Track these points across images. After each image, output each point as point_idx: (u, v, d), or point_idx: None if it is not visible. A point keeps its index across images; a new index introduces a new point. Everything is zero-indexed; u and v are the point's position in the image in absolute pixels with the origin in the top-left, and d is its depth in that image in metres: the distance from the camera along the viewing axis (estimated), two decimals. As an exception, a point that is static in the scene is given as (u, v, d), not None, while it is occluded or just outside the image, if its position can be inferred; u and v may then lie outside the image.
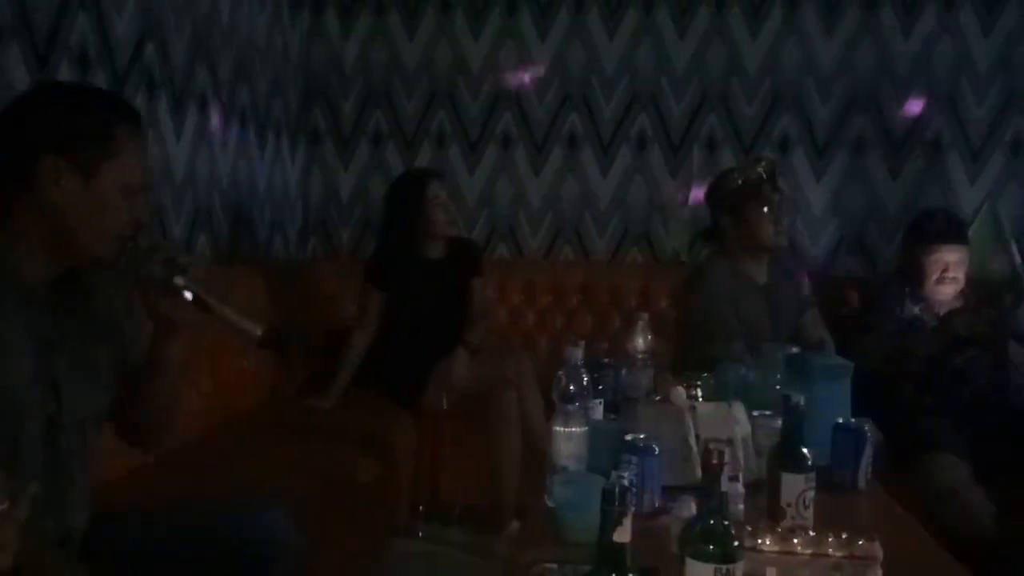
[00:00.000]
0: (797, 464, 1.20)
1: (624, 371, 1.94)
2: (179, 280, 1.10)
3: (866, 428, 1.45)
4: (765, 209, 2.20)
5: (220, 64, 2.64)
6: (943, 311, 2.39)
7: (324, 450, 2.16)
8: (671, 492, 1.35)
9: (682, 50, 3.07)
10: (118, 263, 1.13)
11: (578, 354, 1.48)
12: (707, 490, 0.91)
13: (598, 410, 1.71)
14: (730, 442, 1.39)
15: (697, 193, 2.87)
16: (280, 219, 3.13)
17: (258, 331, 1.13)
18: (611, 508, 0.80)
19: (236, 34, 2.74)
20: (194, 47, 2.48)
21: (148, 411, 1.25)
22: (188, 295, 1.10)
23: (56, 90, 1.21)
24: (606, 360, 1.96)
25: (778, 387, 1.64)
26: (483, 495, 2.38)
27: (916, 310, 2.42)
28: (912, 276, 2.45)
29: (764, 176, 2.22)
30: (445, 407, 2.39)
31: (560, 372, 1.46)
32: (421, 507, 2.52)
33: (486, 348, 2.57)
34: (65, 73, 1.94)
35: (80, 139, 1.09)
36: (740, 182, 2.23)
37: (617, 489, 0.80)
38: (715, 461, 0.88)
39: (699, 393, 1.69)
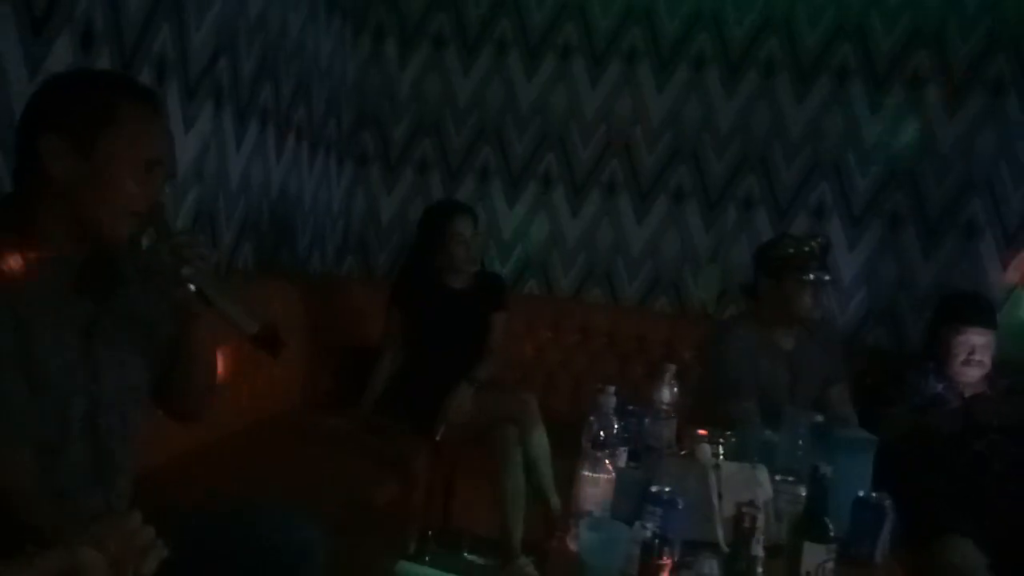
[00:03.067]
0: (820, 535, 1.23)
1: (647, 420, 1.98)
2: (185, 271, 1.13)
3: (886, 504, 1.47)
4: (806, 285, 2.22)
5: (283, 81, 2.75)
6: (967, 392, 2.40)
7: (344, 467, 2.20)
8: (689, 547, 1.38)
9: (728, 109, 3.14)
10: (131, 251, 1.15)
11: (611, 402, 1.52)
12: (736, 552, 0.94)
13: (622, 457, 1.75)
14: (752, 505, 1.42)
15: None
16: (321, 235, 3.21)
17: (254, 329, 1.16)
18: (649, 561, 0.83)
19: (301, 54, 2.85)
20: (261, 64, 2.58)
21: (182, 389, 1.28)
22: (191, 287, 1.13)
23: (65, 75, 1.20)
24: (631, 408, 2.00)
25: (800, 454, 1.67)
26: (492, 526, 2.40)
27: (939, 388, 2.44)
28: (938, 355, 2.46)
29: (815, 253, 2.24)
30: (439, 438, 2.41)
31: (592, 418, 1.51)
32: (431, 532, 2.54)
33: (496, 384, 2.58)
34: (145, 78, 2.04)
35: (77, 116, 1.08)
36: (791, 251, 2.25)
37: (657, 542, 0.83)
38: (747, 525, 0.91)
39: (721, 451, 1.72)
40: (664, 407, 2.01)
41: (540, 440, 2.39)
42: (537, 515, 2.35)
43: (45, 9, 1.70)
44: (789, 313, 2.27)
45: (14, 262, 1.06)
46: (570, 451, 1.63)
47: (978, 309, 2.51)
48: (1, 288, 1.04)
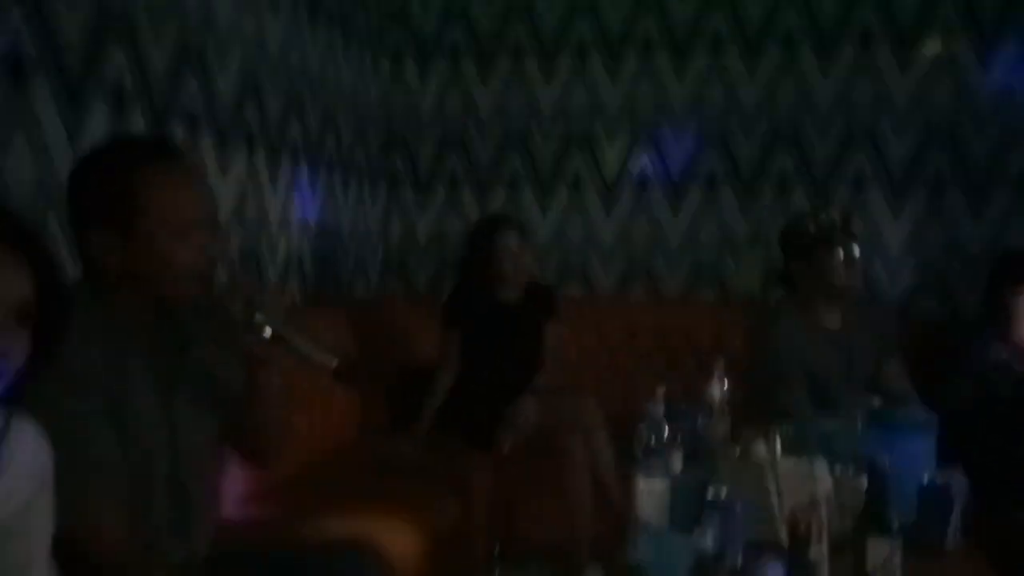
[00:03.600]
0: (883, 528, 1.21)
1: (701, 419, 1.97)
2: (258, 317, 1.16)
3: (952, 486, 1.44)
4: (838, 255, 2.20)
5: (309, 116, 2.81)
6: (1034, 356, 2.33)
7: (405, 491, 2.23)
8: (752, 548, 1.38)
9: (751, 88, 3.09)
10: (203, 306, 1.19)
11: (660, 408, 1.52)
12: (796, 559, 0.94)
13: (678, 461, 1.74)
14: (814, 502, 1.41)
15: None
16: (362, 260, 3.28)
17: (333, 363, 1.20)
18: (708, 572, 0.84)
19: (325, 87, 2.91)
20: (287, 102, 2.65)
21: (257, 436, 1.32)
22: (267, 331, 1.17)
23: (88, 160, 1.21)
24: (683, 407, 1.99)
25: (860, 442, 1.64)
26: (559, 535, 2.41)
27: (1004, 354, 2.36)
28: (999, 319, 2.39)
29: (837, 222, 2.22)
30: (505, 452, 2.42)
31: (641, 425, 1.51)
32: (497, 548, 2.57)
33: (556, 392, 2.59)
34: (177, 132, 2.11)
35: (108, 207, 1.13)
36: (812, 228, 2.23)
37: (715, 551, 0.83)
38: (802, 528, 0.91)
39: (778, 446, 1.71)
40: (716, 404, 2.00)
41: (603, 443, 2.40)
42: (605, 520, 2.36)
43: (79, 75, 1.78)
44: (827, 288, 2.24)
45: (96, 335, 1.13)
46: (628, 453, 1.63)
47: (1037, 266, 2.43)
48: (89, 357, 1.11)
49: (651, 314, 3.09)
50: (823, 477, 1.49)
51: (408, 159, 3.38)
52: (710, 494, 1.39)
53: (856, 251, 2.24)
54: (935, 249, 2.99)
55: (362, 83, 3.23)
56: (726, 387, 2.03)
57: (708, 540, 1.29)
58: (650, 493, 1.43)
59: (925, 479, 1.46)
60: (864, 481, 1.40)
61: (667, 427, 1.58)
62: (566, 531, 2.35)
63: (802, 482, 1.46)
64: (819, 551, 1.23)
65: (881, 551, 1.19)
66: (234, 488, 1.91)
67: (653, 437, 1.49)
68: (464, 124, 3.31)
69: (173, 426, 1.20)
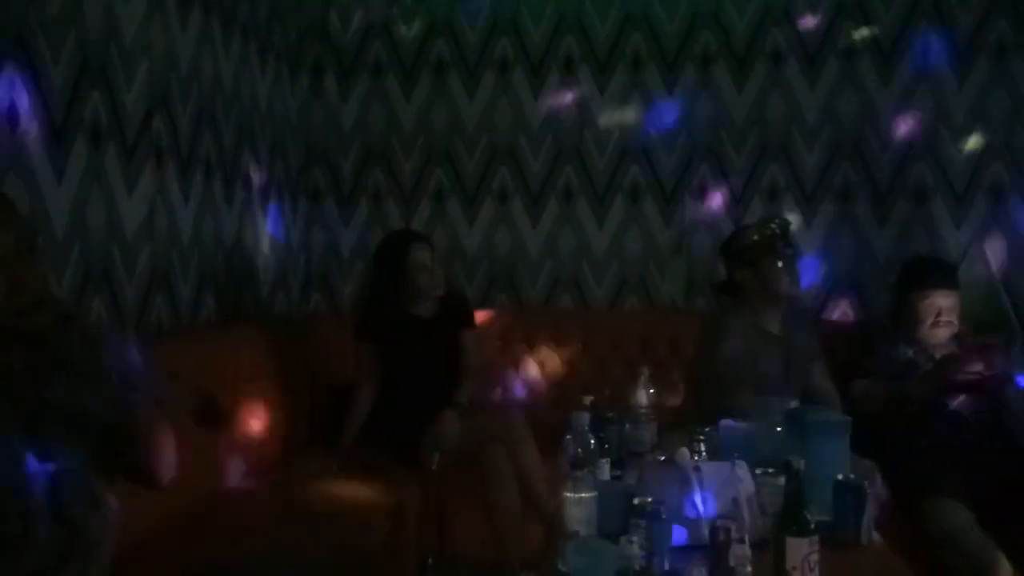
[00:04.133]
0: (800, 528, 1.24)
1: (628, 426, 1.99)
2: (105, 359, 1.13)
3: (866, 484, 1.49)
4: (780, 263, 2.30)
5: (224, 130, 2.72)
6: (938, 354, 2.45)
7: (332, 511, 2.18)
8: (680, 552, 1.38)
9: (670, 106, 3.17)
10: (46, 350, 1.13)
11: (585, 419, 1.52)
12: (716, 566, 0.95)
13: (605, 468, 1.75)
14: (735, 502, 1.43)
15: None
16: (283, 276, 3.19)
17: (188, 406, 1.16)
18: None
19: (239, 100, 2.83)
20: (199, 116, 2.56)
21: (134, 459, 1.25)
22: (117, 376, 1.13)
23: None
24: (609, 415, 2.00)
25: (778, 443, 1.68)
26: (489, 548, 2.39)
27: (911, 353, 2.48)
28: (906, 320, 2.51)
29: (778, 232, 2.32)
30: (434, 467, 2.40)
31: (568, 437, 1.51)
32: (430, 561, 2.52)
33: (477, 404, 2.58)
34: (80, 147, 2.01)
35: None
36: (756, 238, 2.33)
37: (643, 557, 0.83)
38: (722, 538, 0.92)
39: (703, 450, 1.74)
40: (642, 411, 2.02)
41: (531, 455, 2.39)
42: (537, 532, 2.34)
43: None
44: (771, 295, 2.34)
45: None
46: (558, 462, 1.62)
47: (940, 271, 2.57)
48: None
49: (579, 322, 3.12)
50: (745, 478, 1.51)
51: (330, 173, 3.32)
52: (636, 500, 1.40)
53: (794, 258, 2.35)
54: (846, 256, 3.12)
55: (280, 97, 3.15)
56: (651, 392, 2.06)
57: (635, 547, 1.30)
58: (577, 503, 1.43)
59: (839, 477, 1.50)
60: (783, 482, 1.42)
61: (593, 437, 1.58)
62: (495, 544, 2.33)
63: (725, 484, 1.48)
64: (742, 551, 1.25)
65: (800, 550, 1.22)
66: (144, 510, 1.81)
67: (579, 448, 1.49)
68: (387, 139, 3.27)
69: (47, 453, 1.13)
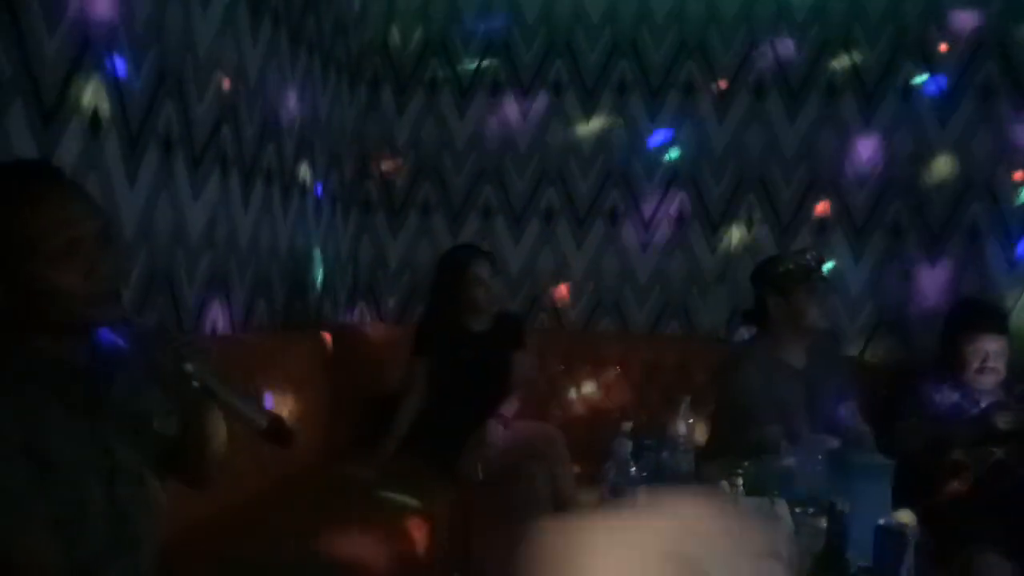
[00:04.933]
0: (840, 572, 1.24)
1: (665, 454, 2.00)
2: (188, 367, 1.14)
3: (907, 530, 1.48)
4: (814, 295, 2.29)
5: (285, 141, 2.81)
6: (984, 400, 2.41)
7: (365, 518, 2.22)
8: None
9: (721, 133, 3.18)
10: (130, 358, 1.16)
11: (627, 447, 1.55)
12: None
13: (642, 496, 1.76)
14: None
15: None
16: (331, 283, 3.27)
17: (263, 424, 1.17)
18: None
19: (300, 112, 2.92)
20: (263, 127, 2.65)
21: (192, 467, 1.31)
22: (196, 384, 1.15)
23: None
24: (648, 442, 2.02)
25: (819, 481, 1.68)
26: (516, 566, 2.40)
27: (956, 397, 2.44)
28: (952, 364, 2.47)
29: (813, 264, 2.31)
30: (481, 477, 2.42)
31: (608, 464, 1.53)
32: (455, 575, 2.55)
33: (522, 421, 2.61)
34: (151, 157, 2.11)
35: None
36: (791, 267, 2.31)
37: None
38: None
39: (740, 484, 1.74)
40: (680, 438, 2.03)
41: (568, 476, 2.40)
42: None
43: (55, 100, 1.77)
44: (800, 326, 2.31)
45: (9, 367, 1.12)
46: (593, 484, 1.64)
47: (989, 315, 2.52)
48: (3, 390, 1.10)
49: (618, 346, 3.13)
50: (784, 516, 1.52)
51: (382, 185, 3.40)
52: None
53: (826, 293, 2.34)
54: (894, 293, 3.09)
55: (338, 109, 3.24)
56: (691, 422, 2.07)
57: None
58: (615, 530, 1.44)
59: (881, 522, 1.50)
60: (823, 522, 1.43)
61: (633, 465, 1.60)
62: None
63: (764, 522, 1.49)
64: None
65: (839, 592, 1.22)
66: (187, 510, 1.88)
67: (620, 476, 1.51)
68: (439, 154, 3.34)
69: (105, 443, 1.18)
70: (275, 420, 1.19)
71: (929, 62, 3.05)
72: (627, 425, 1.90)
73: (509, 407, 2.58)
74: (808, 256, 2.34)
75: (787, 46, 3.13)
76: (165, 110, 2.14)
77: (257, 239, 2.67)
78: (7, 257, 1.09)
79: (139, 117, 2.04)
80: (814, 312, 2.30)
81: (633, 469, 1.56)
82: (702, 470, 1.91)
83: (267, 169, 2.70)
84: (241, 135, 2.52)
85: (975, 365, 2.42)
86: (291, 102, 2.84)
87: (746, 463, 1.84)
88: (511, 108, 3.30)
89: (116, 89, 1.95)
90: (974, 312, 2.54)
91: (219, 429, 1.28)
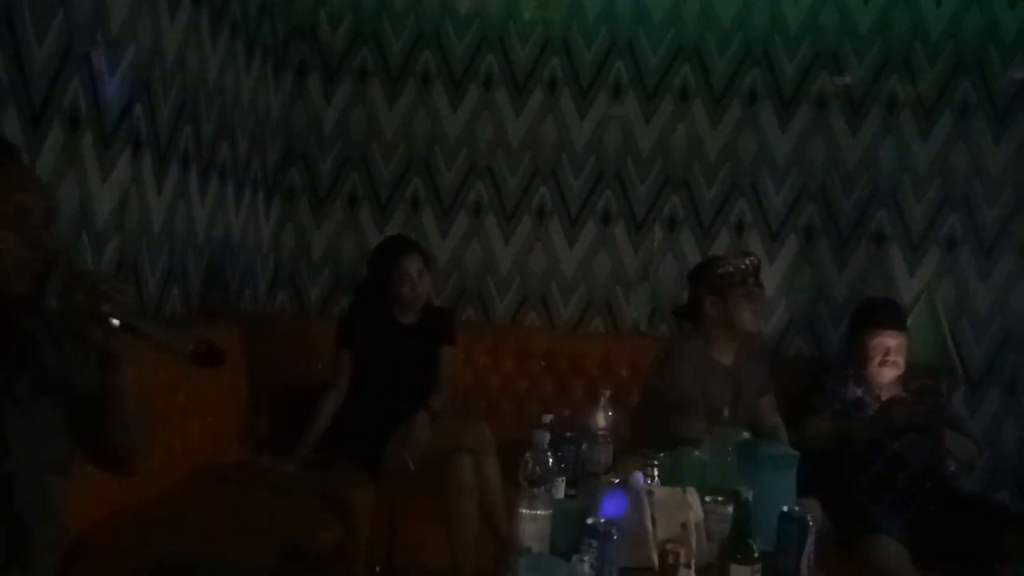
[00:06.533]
0: (745, 556, 1.29)
1: (585, 446, 2.03)
2: (105, 307, 1.10)
3: (809, 518, 1.55)
4: (748, 298, 2.35)
5: (204, 124, 2.71)
6: (884, 394, 2.54)
7: (284, 511, 2.18)
8: (628, 573, 1.43)
9: (647, 134, 3.25)
10: (43, 298, 1.10)
11: (546, 438, 1.56)
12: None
13: (560, 487, 1.79)
14: (684, 527, 1.48)
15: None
16: (251, 272, 3.17)
17: (190, 346, 1.13)
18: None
19: (222, 94, 2.82)
20: (180, 108, 2.55)
21: (116, 439, 1.24)
22: (115, 322, 1.11)
23: None
24: (568, 435, 2.04)
25: (729, 472, 1.74)
26: (440, 559, 2.40)
27: (859, 392, 2.57)
28: (856, 359, 2.60)
29: (751, 270, 2.37)
30: (411, 469, 2.41)
31: (527, 455, 1.54)
32: (378, 569, 2.53)
33: (448, 414, 2.61)
34: (57, 132, 1.99)
35: None
36: (729, 269, 2.37)
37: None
38: (671, 562, 0.96)
39: (656, 474, 1.79)
40: (600, 432, 2.07)
41: (493, 469, 2.41)
42: (487, 544, 2.37)
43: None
44: (734, 328, 2.37)
45: None
46: (515, 478, 1.65)
47: (890, 313, 2.66)
48: None
49: (543, 340, 3.16)
50: (695, 504, 1.57)
51: (307, 174, 3.33)
52: (589, 521, 1.44)
53: (761, 298, 2.40)
54: (805, 293, 3.23)
55: (263, 95, 3.15)
56: (610, 415, 2.11)
57: (586, 566, 1.33)
58: (532, 520, 1.46)
59: (785, 509, 1.56)
60: (730, 510, 1.48)
61: (551, 456, 1.62)
62: (449, 556, 2.34)
63: (675, 510, 1.53)
64: (687, 574, 1.30)
65: (743, 576, 1.27)
66: (97, 504, 1.80)
67: (538, 466, 1.52)
68: (367, 144, 3.29)
69: (4, 450, 1.12)
70: (203, 342, 1.14)
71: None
72: (547, 417, 1.92)
73: (436, 400, 2.57)
74: (747, 260, 2.40)
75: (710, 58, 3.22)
76: (72, 84, 2.03)
77: (172, 224, 2.56)
78: None
79: (42, 92, 1.93)
80: (748, 316, 2.35)
81: (551, 460, 1.57)
82: (619, 462, 1.94)
83: (184, 152, 2.60)
84: (156, 115, 2.42)
85: (876, 359, 2.55)
86: (211, 83, 2.74)
87: (661, 454, 1.88)
88: (442, 100, 3.27)
89: (19, 60, 1.84)
90: (876, 309, 2.68)
91: (136, 394, 1.21)
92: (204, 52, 2.68)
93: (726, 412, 2.32)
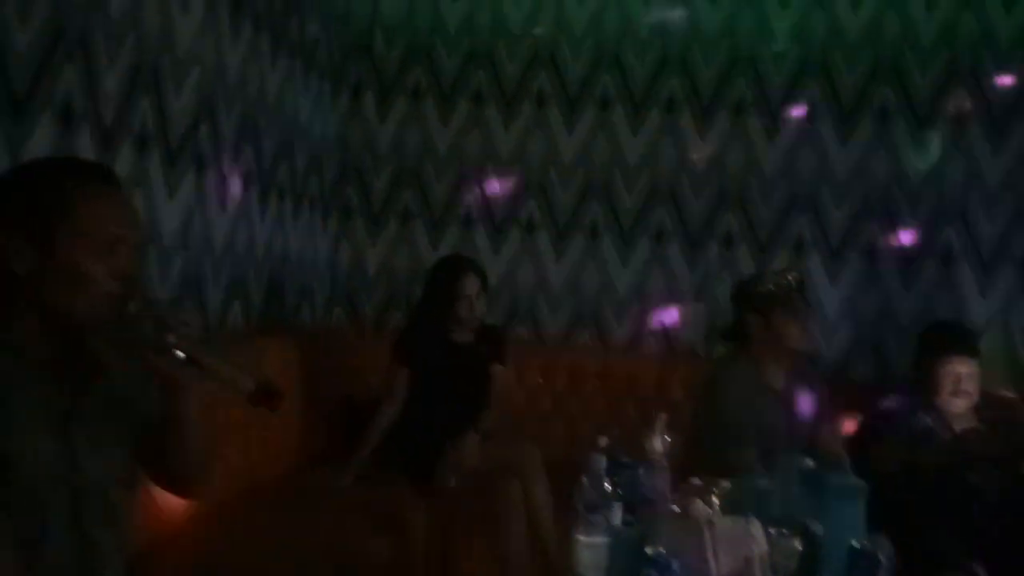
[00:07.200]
0: (815, 594, 1.23)
1: (641, 472, 1.98)
2: (171, 339, 1.12)
3: (880, 554, 1.48)
4: (794, 317, 2.27)
5: (264, 143, 2.78)
6: (956, 424, 2.42)
7: (338, 526, 2.19)
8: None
9: (702, 149, 3.20)
10: (112, 327, 1.13)
11: (602, 462, 1.53)
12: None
13: (617, 513, 1.74)
14: (748, 561, 1.43)
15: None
16: (309, 288, 3.23)
17: (251, 386, 1.14)
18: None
19: (281, 115, 2.89)
20: (241, 127, 2.61)
21: (179, 462, 1.26)
22: (180, 354, 1.12)
23: (14, 170, 1.21)
24: (624, 459, 1.99)
25: (794, 502, 1.67)
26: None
27: (929, 421, 2.45)
28: (925, 386, 2.48)
29: (794, 286, 2.29)
30: (452, 483, 2.40)
31: (584, 479, 1.51)
32: (429, 588, 2.52)
33: (498, 434, 2.59)
34: (125, 153, 2.06)
35: (29, 213, 1.10)
36: (772, 287, 2.29)
37: None
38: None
39: (716, 503, 1.73)
40: (657, 457, 2.01)
41: (543, 492, 2.39)
42: (537, 567, 2.33)
43: (25, 91, 1.72)
44: (781, 348, 2.29)
45: None
46: (567, 500, 1.62)
47: (962, 337, 2.54)
48: None
49: (597, 359, 3.12)
50: (758, 536, 1.51)
51: (362, 191, 3.37)
52: (648, 550, 1.40)
53: (808, 315, 2.32)
54: (869, 315, 3.11)
55: (320, 114, 3.21)
56: (667, 440, 2.06)
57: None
58: (589, 547, 1.43)
59: (854, 544, 1.49)
60: (798, 543, 1.42)
61: (608, 481, 1.58)
62: (499, 574, 2.32)
63: (738, 542, 1.48)
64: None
65: (812, 615, 1.21)
66: (157, 518, 1.83)
67: (594, 491, 1.49)
68: (421, 161, 3.32)
69: (72, 459, 1.13)
70: (263, 382, 1.14)
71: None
72: (603, 440, 1.88)
73: (487, 419, 2.55)
74: (789, 276, 2.33)
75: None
76: (141, 105, 2.10)
77: (233, 241, 2.62)
78: (57, 228, 1.10)
79: (112, 113, 2.00)
80: (796, 335, 2.28)
81: (609, 486, 1.54)
82: (680, 489, 1.89)
83: (245, 170, 2.66)
84: (218, 134, 2.48)
85: (948, 388, 2.43)
86: (271, 102, 2.80)
87: (723, 483, 1.82)
88: (494, 118, 3.28)
89: (90, 82, 1.91)
90: (946, 333, 2.56)
91: (200, 418, 1.22)
92: (264, 73, 2.75)
93: (780, 438, 2.24)
